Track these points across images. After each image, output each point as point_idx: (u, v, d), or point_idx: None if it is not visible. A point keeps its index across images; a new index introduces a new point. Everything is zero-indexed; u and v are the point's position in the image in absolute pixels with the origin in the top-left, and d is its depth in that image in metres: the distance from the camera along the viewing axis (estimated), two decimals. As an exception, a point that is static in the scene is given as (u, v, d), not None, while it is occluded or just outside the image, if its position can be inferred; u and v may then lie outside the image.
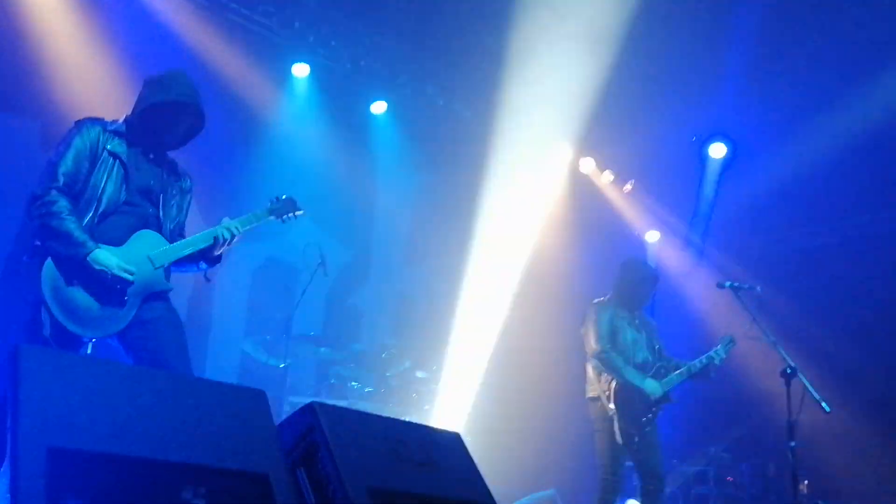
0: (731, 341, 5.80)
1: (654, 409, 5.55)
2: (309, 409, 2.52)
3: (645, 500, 5.51)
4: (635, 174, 9.58)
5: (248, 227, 3.94)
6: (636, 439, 5.46)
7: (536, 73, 7.72)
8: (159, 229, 3.73)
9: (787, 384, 5.27)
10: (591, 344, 5.65)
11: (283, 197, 4.20)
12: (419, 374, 7.30)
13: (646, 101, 8.20)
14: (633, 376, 5.51)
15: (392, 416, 6.33)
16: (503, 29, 7.50)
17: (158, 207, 3.77)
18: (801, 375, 5.27)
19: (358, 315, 8.28)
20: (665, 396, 5.57)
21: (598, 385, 5.61)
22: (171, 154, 3.97)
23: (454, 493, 2.71)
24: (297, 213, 4.22)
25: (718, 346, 5.76)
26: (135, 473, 2.04)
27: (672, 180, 9.45)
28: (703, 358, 5.71)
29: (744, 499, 7.71)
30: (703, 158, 8.86)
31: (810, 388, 5.20)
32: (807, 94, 7.80)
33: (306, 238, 7.28)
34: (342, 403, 6.35)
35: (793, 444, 5.16)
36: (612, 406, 5.44)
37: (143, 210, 3.70)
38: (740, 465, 7.85)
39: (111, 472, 1.99)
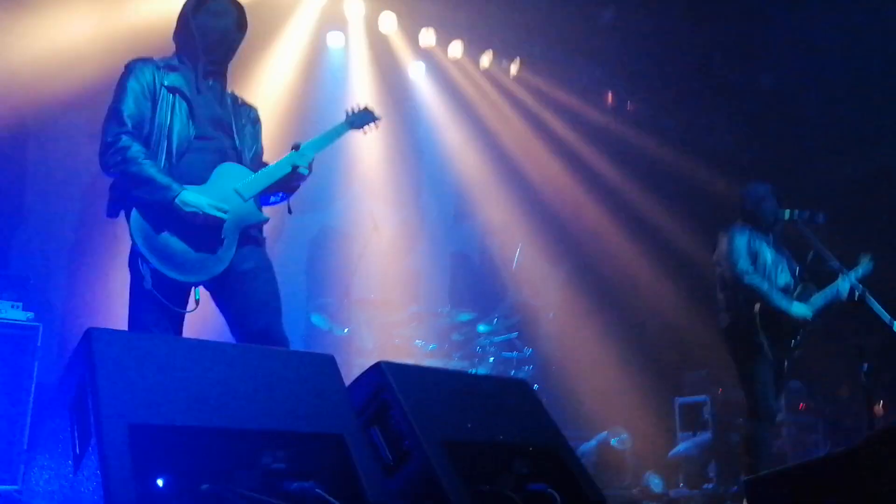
0: (871, 260, 5.33)
1: (801, 332, 5.18)
2: (377, 369, 2.56)
3: (754, 425, 5.12)
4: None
5: (326, 146, 3.70)
6: (786, 364, 5.16)
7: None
8: (239, 160, 3.51)
9: (858, 307, 5.16)
10: (731, 268, 5.17)
11: (360, 108, 3.92)
12: (481, 327, 7.32)
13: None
14: (779, 299, 5.08)
15: (458, 370, 6.45)
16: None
17: (233, 137, 3.53)
18: (868, 297, 5.15)
19: (415, 276, 8.31)
20: (813, 320, 5.18)
21: (739, 312, 5.17)
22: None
23: (526, 439, 2.73)
24: (377, 120, 3.95)
25: (858, 266, 5.30)
26: (215, 443, 2.10)
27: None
28: (844, 279, 5.22)
29: (818, 425, 7.61)
30: None
31: (880, 310, 5.08)
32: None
33: (357, 205, 7.33)
34: (408, 362, 6.43)
35: (865, 366, 5.06)
36: (759, 332, 5.03)
37: (218, 143, 3.47)
38: (812, 391, 7.74)
39: (192, 444, 2.05)
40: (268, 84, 7.03)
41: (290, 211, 3.71)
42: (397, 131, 8.14)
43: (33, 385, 4.75)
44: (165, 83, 3.40)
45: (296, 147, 3.56)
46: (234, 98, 3.69)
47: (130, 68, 3.42)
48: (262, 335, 3.28)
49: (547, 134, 9.05)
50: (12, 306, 4.94)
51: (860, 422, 6.99)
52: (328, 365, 2.48)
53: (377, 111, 3.95)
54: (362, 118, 3.90)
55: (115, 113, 3.31)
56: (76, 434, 2.07)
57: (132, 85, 3.36)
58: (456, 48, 8.12)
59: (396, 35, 7.96)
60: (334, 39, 7.74)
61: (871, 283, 5.32)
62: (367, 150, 7.79)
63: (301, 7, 7.30)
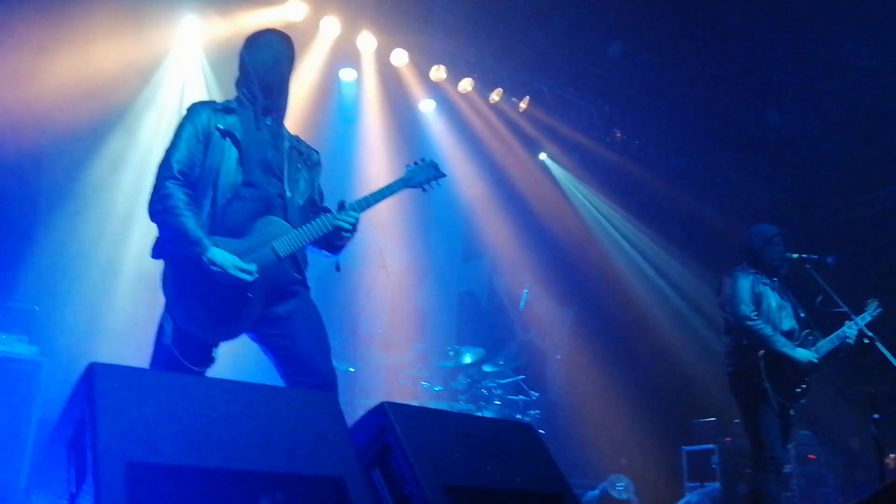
0: (878, 306, 5.29)
1: (807, 378, 5.10)
2: (380, 410, 2.52)
3: (761, 477, 5.00)
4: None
5: (375, 204, 3.54)
6: (791, 412, 5.07)
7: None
8: (285, 209, 3.41)
9: (866, 355, 5.09)
10: (734, 312, 5.12)
11: (423, 162, 3.73)
12: (487, 369, 7.28)
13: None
14: (783, 345, 5.01)
15: (463, 412, 6.40)
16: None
17: (283, 183, 3.44)
18: (879, 345, 5.08)
19: (422, 315, 8.29)
20: (818, 366, 5.10)
21: (743, 358, 5.12)
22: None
23: (530, 485, 2.67)
24: (441, 177, 3.74)
25: (866, 312, 5.26)
26: (212, 484, 2.05)
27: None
28: (852, 324, 5.18)
29: (828, 477, 7.48)
30: None
31: (890, 357, 5.01)
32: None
33: (365, 242, 7.31)
34: (413, 404, 6.38)
35: (876, 416, 4.97)
36: (763, 379, 4.97)
37: (264, 191, 3.38)
38: (822, 441, 7.62)
39: (189, 484, 2.01)
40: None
41: (337, 268, 3.61)
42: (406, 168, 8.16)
43: (34, 420, 4.72)
44: (220, 126, 3.38)
45: (340, 206, 3.46)
46: (294, 140, 3.63)
47: (189, 111, 3.44)
48: (308, 374, 3.25)
49: (555, 171, 9.09)
50: (17, 340, 4.92)
51: (872, 474, 6.86)
52: (330, 404, 2.44)
53: (442, 167, 3.75)
54: (424, 174, 3.72)
55: (165, 159, 3.32)
56: (73, 471, 2.04)
57: (187, 129, 3.37)
58: (466, 85, 8.19)
59: (407, 70, 8.03)
60: (346, 75, 7.82)
61: (881, 329, 5.26)
62: (375, 187, 7.81)
63: (314, 43, 7.38)
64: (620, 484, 6.87)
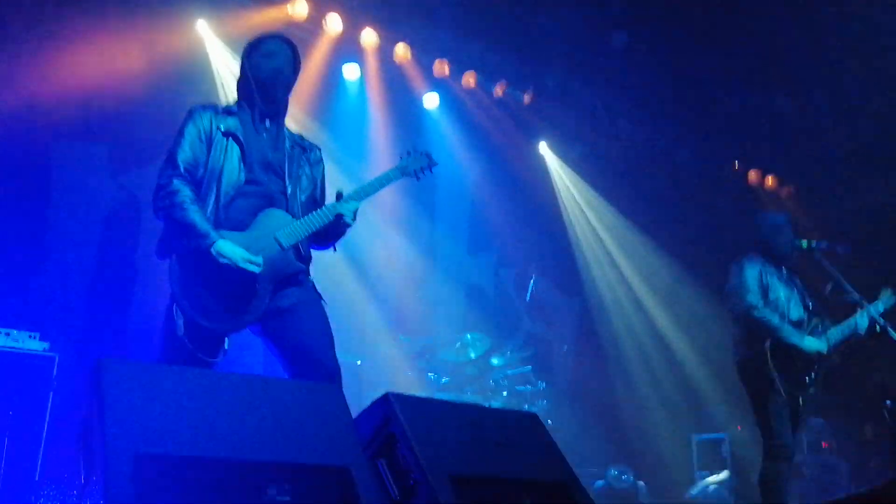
0: (893, 294, 5.27)
1: (816, 367, 5.07)
2: (384, 401, 2.54)
3: (771, 465, 4.99)
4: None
5: (372, 194, 3.64)
6: (801, 401, 5.03)
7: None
8: (286, 205, 3.50)
9: (879, 342, 5.06)
10: (740, 302, 5.09)
11: (416, 152, 3.84)
12: (494, 361, 7.28)
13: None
14: (790, 334, 4.98)
15: (468, 403, 6.41)
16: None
17: (284, 180, 3.53)
18: (891, 332, 5.06)
19: (428, 307, 8.29)
20: (828, 354, 5.08)
21: (750, 347, 5.09)
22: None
23: (536, 474, 2.70)
24: (434, 166, 3.87)
25: (878, 301, 5.23)
26: (220, 475, 2.09)
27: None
28: (864, 312, 5.15)
29: (841, 465, 7.46)
30: None
31: (903, 345, 4.99)
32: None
33: (371, 236, 7.33)
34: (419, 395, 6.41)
35: (888, 403, 4.96)
36: (770, 368, 4.93)
37: (266, 188, 3.47)
38: (835, 429, 7.59)
39: (197, 475, 2.04)
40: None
41: (334, 249, 3.70)
42: (400, 157, 8.16)
43: (47, 416, 4.76)
44: (222, 127, 3.46)
45: (339, 196, 3.55)
46: (295, 140, 3.70)
47: (190, 112, 3.50)
48: (312, 367, 3.30)
49: (561, 164, 9.09)
50: (29, 336, 4.97)
51: (885, 461, 6.84)
52: (334, 395, 2.47)
53: (436, 158, 3.86)
54: (418, 163, 3.83)
55: (169, 157, 3.40)
56: (82, 464, 2.08)
57: (189, 129, 3.45)
58: (469, 79, 8.19)
59: (411, 66, 8.03)
60: (350, 71, 7.82)
61: (894, 317, 5.23)
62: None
63: (317, 40, 7.39)
64: (616, 472, 6.87)
